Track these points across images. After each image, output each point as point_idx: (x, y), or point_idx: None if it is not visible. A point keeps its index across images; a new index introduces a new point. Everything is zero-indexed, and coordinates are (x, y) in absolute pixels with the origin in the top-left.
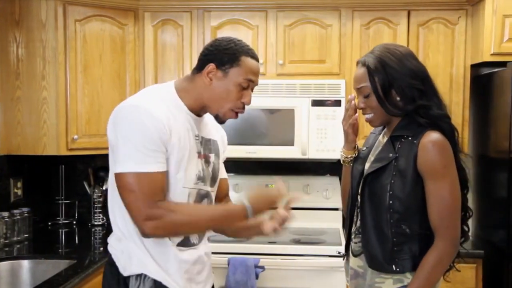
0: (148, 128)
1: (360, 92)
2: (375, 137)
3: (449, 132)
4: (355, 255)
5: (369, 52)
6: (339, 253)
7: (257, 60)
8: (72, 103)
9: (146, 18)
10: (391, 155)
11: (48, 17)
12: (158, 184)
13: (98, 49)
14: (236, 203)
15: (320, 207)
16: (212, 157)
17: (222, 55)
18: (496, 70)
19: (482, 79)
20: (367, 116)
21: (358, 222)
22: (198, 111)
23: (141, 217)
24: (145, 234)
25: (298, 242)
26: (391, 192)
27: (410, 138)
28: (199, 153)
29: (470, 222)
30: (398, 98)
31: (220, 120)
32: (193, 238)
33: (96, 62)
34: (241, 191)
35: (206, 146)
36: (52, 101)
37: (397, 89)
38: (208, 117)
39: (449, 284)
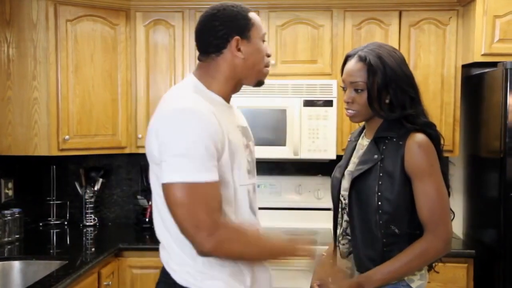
0: (199, 133)
1: (352, 86)
2: (352, 143)
3: (436, 139)
4: (343, 257)
5: (366, 48)
6: None
7: None
8: (64, 103)
9: (138, 18)
10: (376, 156)
11: (39, 17)
12: (216, 196)
13: (90, 49)
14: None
15: (312, 207)
16: (251, 145)
17: (238, 22)
18: (487, 70)
19: (473, 80)
20: (350, 111)
21: (344, 224)
22: (229, 97)
23: (202, 232)
24: (203, 252)
25: None
26: (379, 194)
27: (395, 140)
28: (245, 145)
29: (461, 221)
30: (387, 101)
31: (261, 83)
32: None
33: (88, 62)
34: None
35: (247, 135)
36: (43, 101)
37: (391, 93)
38: (235, 104)
39: (440, 284)
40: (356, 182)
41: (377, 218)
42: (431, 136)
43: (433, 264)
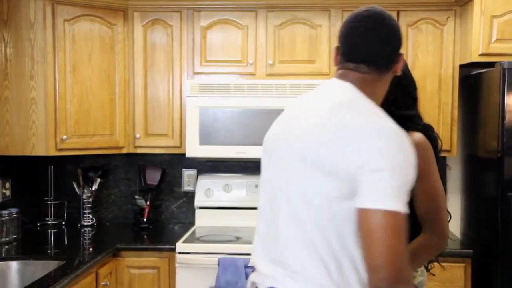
0: (411, 160)
1: None
2: None
3: (434, 141)
4: None
5: None
6: None
7: None
8: (61, 103)
9: (136, 18)
10: None
11: (36, 16)
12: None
13: (87, 49)
14: None
15: None
16: None
17: (400, 36)
18: (484, 70)
19: (471, 79)
20: None
21: None
22: None
23: (394, 271)
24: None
25: None
26: None
27: None
28: None
29: (458, 221)
30: (392, 100)
31: None
32: None
33: (85, 62)
34: (231, 191)
35: None
36: (40, 101)
37: (398, 92)
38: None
39: (438, 283)
40: None
41: None
42: (429, 138)
43: (429, 266)
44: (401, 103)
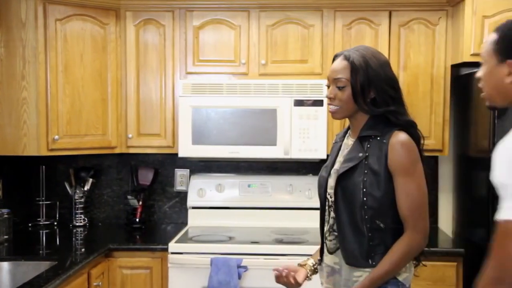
0: None
1: (336, 83)
2: (337, 144)
3: (417, 139)
4: (330, 252)
5: (353, 49)
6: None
7: None
8: (53, 103)
9: (128, 17)
10: (361, 154)
11: (28, 16)
12: None
13: (79, 49)
14: None
15: (303, 207)
16: None
17: None
18: (476, 70)
19: (463, 79)
20: (332, 107)
21: (331, 221)
22: None
23: None
24: None
25: (280, 242)
26: (364, 190)
27: (378, 138)
28: None
29: (450, 220)
30: (369, 100)
31: None
32: None
33: (77, 62)
34: (223, 191)
35: None
36: (32, 101)
37: (374, 91)
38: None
39: (430, 282)
40: (341, 179)
41: (363, 214)
42: (412, 136)
43: (420, 258)
44: (378, 102)
